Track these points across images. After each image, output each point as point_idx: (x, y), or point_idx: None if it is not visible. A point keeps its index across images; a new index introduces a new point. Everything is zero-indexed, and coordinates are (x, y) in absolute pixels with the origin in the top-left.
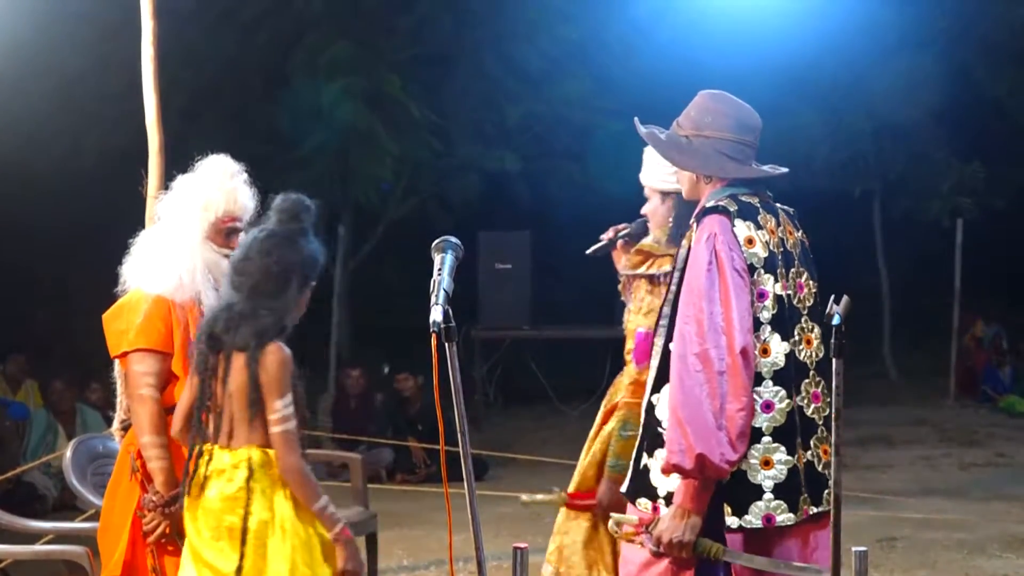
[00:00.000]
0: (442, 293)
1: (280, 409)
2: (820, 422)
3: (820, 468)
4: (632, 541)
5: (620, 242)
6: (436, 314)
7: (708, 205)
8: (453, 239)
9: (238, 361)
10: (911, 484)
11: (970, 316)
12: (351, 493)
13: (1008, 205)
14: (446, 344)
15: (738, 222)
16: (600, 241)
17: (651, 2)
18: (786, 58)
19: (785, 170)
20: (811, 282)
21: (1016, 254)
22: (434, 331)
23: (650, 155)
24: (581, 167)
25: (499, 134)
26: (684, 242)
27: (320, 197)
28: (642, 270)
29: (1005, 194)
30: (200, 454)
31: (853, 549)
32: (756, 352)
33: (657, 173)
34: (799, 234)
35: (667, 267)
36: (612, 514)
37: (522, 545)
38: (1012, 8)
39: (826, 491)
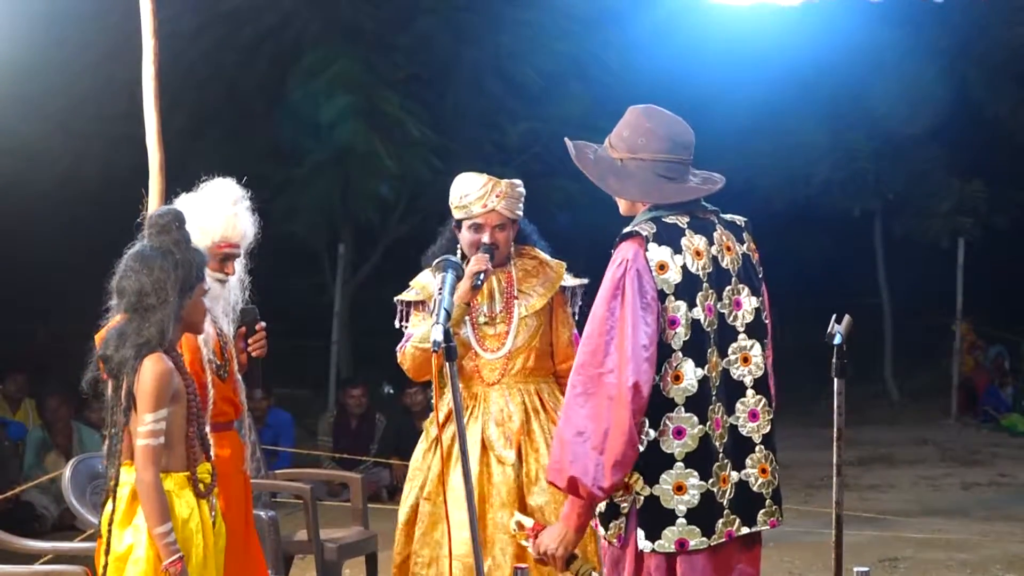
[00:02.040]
0: (443, 312)
1: (148, 423)
2: (759, 440)
3: (756, 488)
4: (520, 541)
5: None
6: (437, 333)
7: (625, 230)
8: (453, 259)
9: (124, 377)
10: (913, 504)
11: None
12: (351, 513)
13: (1009, 225)
14: (447, 363)
15: (652, 247)
16: (485, 273)
17: (651, 20)
18: (786, 77)
19: (722, 181)
20: (752, 298)
21: (1018, 274)
22: (435, 350)
23: (517, 189)
24: (581, 185)
25: (498, 152)
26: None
27: (320, 216)
28: (572, 282)
29: (1006, 214)
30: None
31: (855, 569)
32: (669, 379)
33: (519, 203)
34: (742, 248)
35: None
36: (516, 513)
37: (523, 566)
38: (1012, 28)
39: (762, 511)
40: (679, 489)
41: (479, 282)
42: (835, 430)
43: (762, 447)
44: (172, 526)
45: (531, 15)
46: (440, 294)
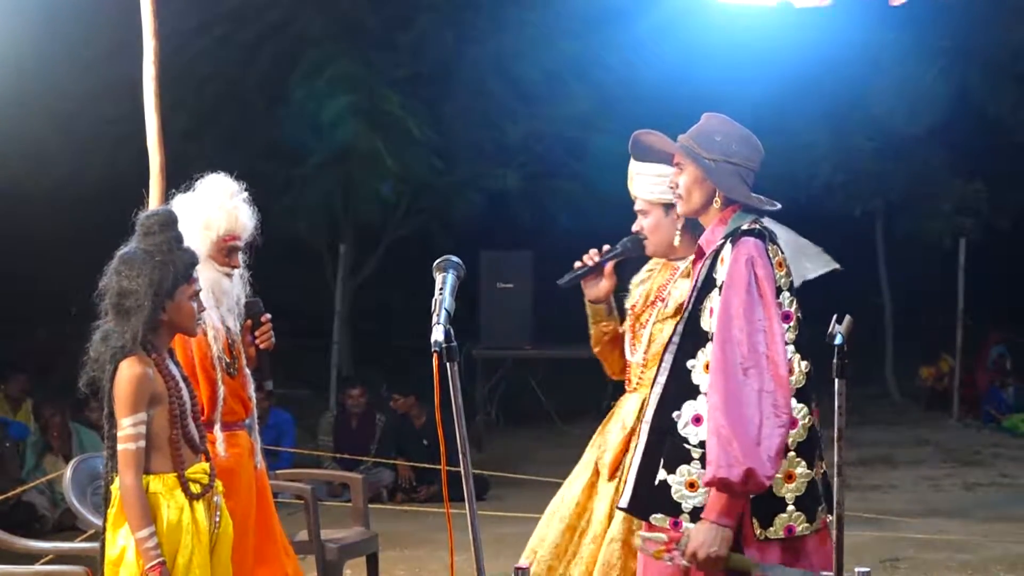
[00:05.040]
0: (444, 312)
1: (126, 427)
2: (818, 436)
3: (826, 479)
4: (660, 558)
5: (609, 265)
6: (437, 334)
7: (744, 227)
8: (455, 258)
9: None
10: (914, 504)
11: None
12: (352, 513)
13: (1011, 225)
14: (447, 364)
15: (770, 245)
16: (577, 269)
17: (652, 20)
18: (787, 77)
19: (779, 206)
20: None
21: (1020, 274)
22: (435, 351)
23: (646, 168)
24: (582, 186)
25: (500, 152)
26: (704, 261)
27: (321, 216)
28: None
29: (1008, 214)
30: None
31: (856, 570)
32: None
33: (659, 186)
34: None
35: None
36: (639, 532)
37: (523, 565)
38: (1013, 27)
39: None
40: (789, 478)
41: (565, 279)
42: (836, 430)
43: (822, 441)
44: (154, 530)
45: (533, 15)
46: (441, 294)
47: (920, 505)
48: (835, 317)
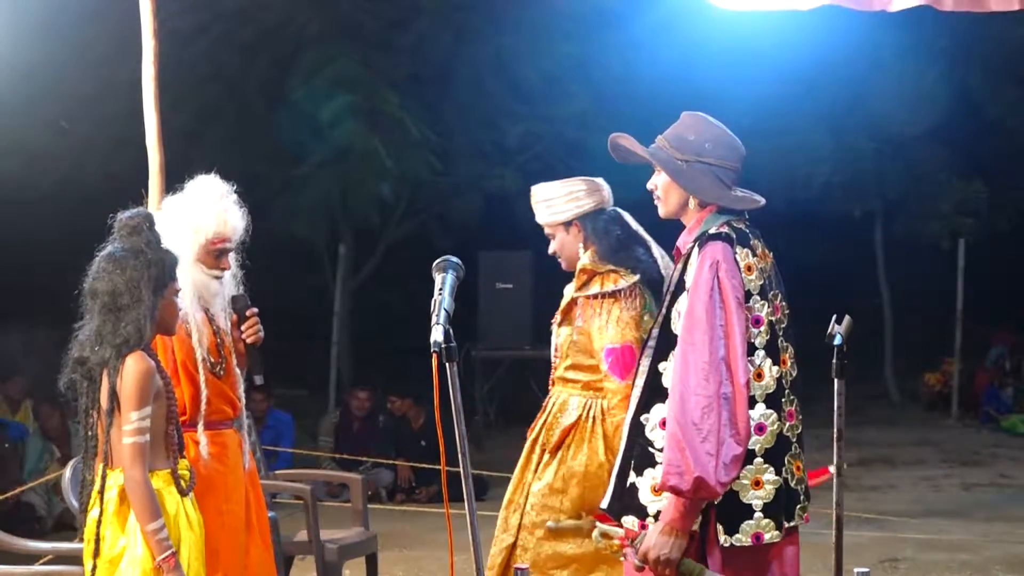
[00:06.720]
0: (443, 313)
1: (134, 421)
2: (794, 439)
3: (793, 484)
4: (614, 553)
5: None
6: (437, 334)
7: (711, 231)
8: (454, 259)
9: (104, 377)
10: (913, 505)
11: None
12: (351, 513)
13: (1011, 226)
14: (447, 364)
15: (738, 249)
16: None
17: (652, 21)
18: (787, 77)
19: (763, 201)
20: (784, 303)
21: (1019, 274)
22: (435, 351)
23: (536, 195)
24: None
25: (499, 153)
26: (678, 264)
27: (321, 216)
28: (596, 289)
29: (1007, 215)
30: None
31: (855, 570)
32: (751, 377)
33: (553, 208)
34: (771, 256)
35: (622, 282)
36: (599, 524)
37: (523, 566)
38: (1013, 28)
39: (798, 506)
40: (756, 484)
41: None
42: (835, 431)
43: (796, 445)
44: (164, 522)
45: (531, 15)
46: (441, 295)
47: (919, 505)
48: (835, 317)
